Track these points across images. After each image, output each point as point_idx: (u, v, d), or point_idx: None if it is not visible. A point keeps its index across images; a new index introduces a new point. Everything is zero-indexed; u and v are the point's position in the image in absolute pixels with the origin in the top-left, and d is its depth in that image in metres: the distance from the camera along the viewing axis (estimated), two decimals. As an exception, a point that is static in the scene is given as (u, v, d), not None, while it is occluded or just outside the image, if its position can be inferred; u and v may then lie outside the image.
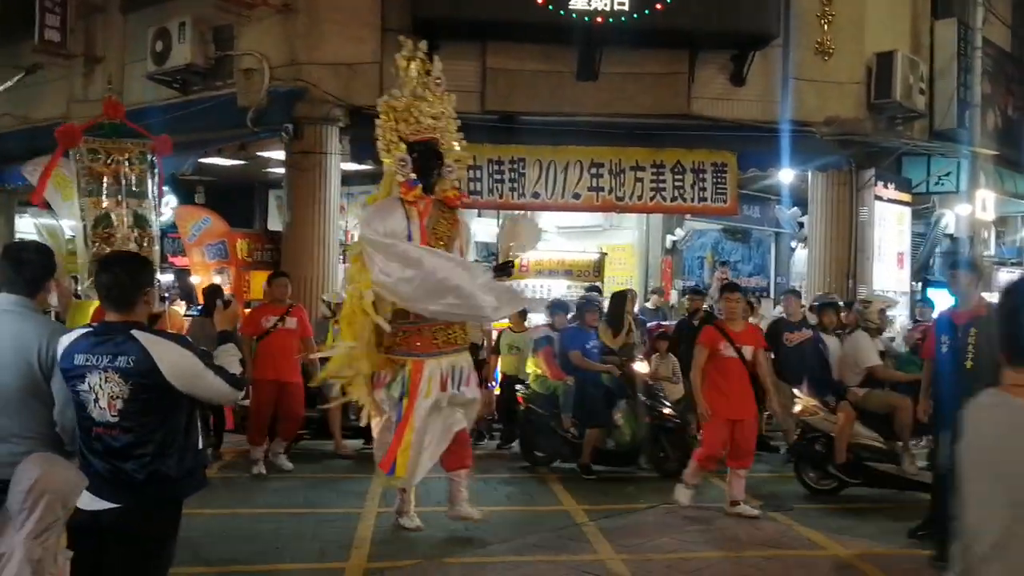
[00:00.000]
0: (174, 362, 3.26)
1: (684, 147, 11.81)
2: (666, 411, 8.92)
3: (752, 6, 11.52)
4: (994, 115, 15.20)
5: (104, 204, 8.92)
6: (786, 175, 13.09)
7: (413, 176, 6.52)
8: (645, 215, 13.68)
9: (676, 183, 11.82)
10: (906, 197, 13.65)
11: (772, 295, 15.47)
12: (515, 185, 11.85)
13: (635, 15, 10.91)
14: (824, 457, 8.05)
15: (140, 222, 9.19)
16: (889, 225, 13.10)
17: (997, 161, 14.73)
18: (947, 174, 14.13)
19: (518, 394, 9.84)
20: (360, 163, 12.84)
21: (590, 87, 11.81)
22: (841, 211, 12.63)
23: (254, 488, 8.11)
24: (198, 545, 5.79)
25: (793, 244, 15.87)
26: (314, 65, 11.87)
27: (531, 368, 9.54)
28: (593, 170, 11.90)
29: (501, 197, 11.87)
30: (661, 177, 11.88)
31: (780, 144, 11.72)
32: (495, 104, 12.05)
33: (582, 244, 14.12)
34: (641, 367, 9.23)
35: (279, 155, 11.85)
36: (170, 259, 13.84)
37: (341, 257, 13.28)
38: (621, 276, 13.47)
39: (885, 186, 13.05)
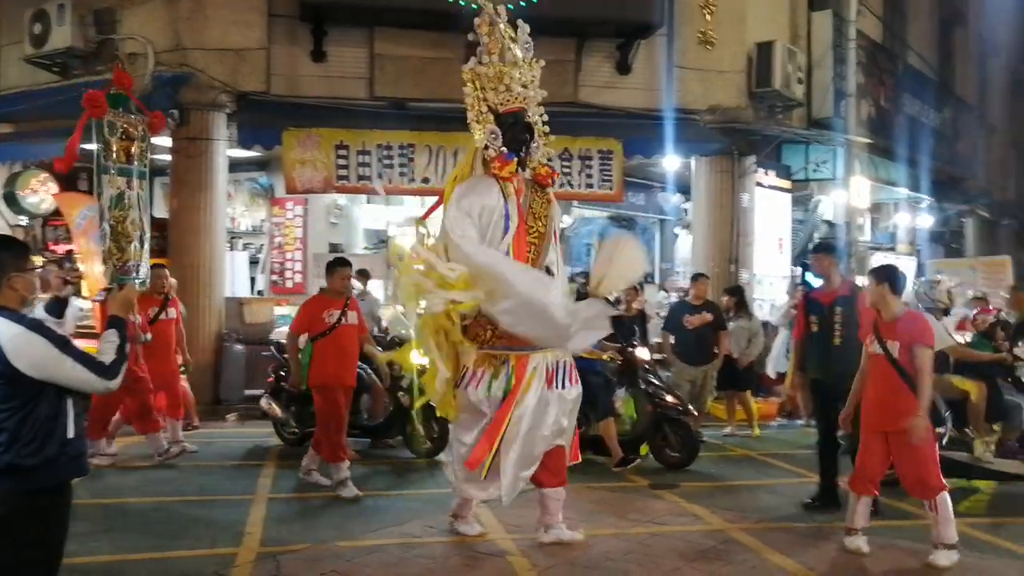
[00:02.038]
0: (21, 350, 3.15)
1: (571, 134, 11.97)
2: (669, 399, 8.61)
3: (637, -4, 11.74)
4: (868, 105, 15.89)
5: (118, 183, 8.55)
6: (670, 162, 13.42)
7: (506, 150, 6.00)
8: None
9: (563, 170, 11.98)
10: (786, 184, 14.15)
11: (657, 280, 15.83)
12: (405, 171, 11.83)
13: (523, 3, 10.97)
14: None
15: (140, 205, 8.85)
16: (769, 211, 13.57)
17: (871, 149, 15.42)
18: (824, 162, 14.70)
19: None
20: (247, 149, 12.59)
21: (478, 73, 11.85)
22: (723, 197, 13.03)
23: (146, 477, 7.94)
24: (88, 535, 5.68)
25: (677, 230, 16.27)
26: (200, 50, 11.60)
27: None
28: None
29: (391, 182, 11.83)
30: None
31: (664, 132, 12.02)
32: (384, 90, 12.00)
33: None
34: (643, 353, 8.96)
35: (165, 141, 11.51)
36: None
37: (228, 245, 13.01)
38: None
39: (765, 173, 13.51)
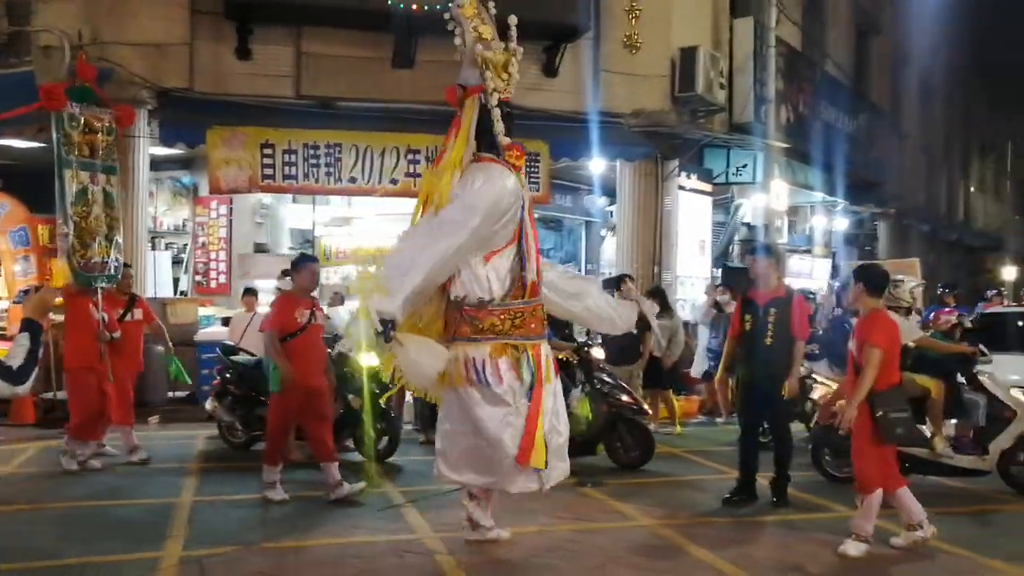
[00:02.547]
0: None
1: (499, 136, 12.03)
2: (624, 398, 8.57)
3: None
4: (787, 110, 16.33)
5: (81, 178, 8.20)
6: (596, 165, 13.60)
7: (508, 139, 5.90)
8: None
9: (492, 171, 12.04)
10: (707, 187, 14.47)
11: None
12: (331, 170, 11.76)
13: (451, 3, 11.01)
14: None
15: (109, 201, 8.51)
16: (692, 214, 13.87)
17: (789, 154, 15.87)
18: (744, 166, 15.08)
19: None
20: (170, 147, 12.37)
21: (407, 74, 11.87)
22: (647, 200, 13.27)
23: (65, 481, 7.76)
24: (2, 541, 5.56)
25: (603, 232, 16.49)
26: (119, 44, 11.35)
27: None
28: (410, 156, 11.97)
29: (317, 182, 11.77)
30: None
31: (590, 134, 12.17)
32: (310, 89, 11.93)
33: (400, 230, 14.13)
34: (597, 353, 8.99)
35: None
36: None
37: (150, 244, 12.75)
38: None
39: (688, 176, 13.80)
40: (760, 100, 14.80)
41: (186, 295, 13.57)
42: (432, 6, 11.02)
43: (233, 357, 9.30)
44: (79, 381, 8.11)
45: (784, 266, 14.90)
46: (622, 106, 12.99)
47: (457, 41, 6.01)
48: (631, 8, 13.03)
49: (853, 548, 5.78)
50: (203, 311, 12.17)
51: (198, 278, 13.67)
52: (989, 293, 18.14)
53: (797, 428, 8.40)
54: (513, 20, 6.07)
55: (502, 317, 5.73)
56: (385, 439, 8.66)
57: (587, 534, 6.29)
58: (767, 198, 15.16)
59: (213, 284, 13.58)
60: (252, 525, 6.41)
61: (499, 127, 5.86)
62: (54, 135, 8.00)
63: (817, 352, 9.82)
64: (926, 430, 7.45)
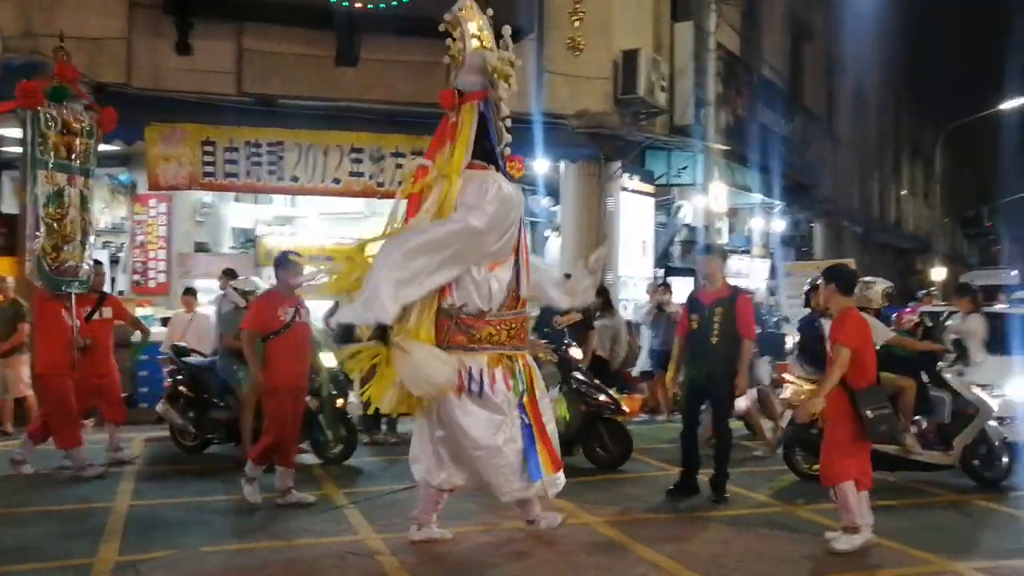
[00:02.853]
0: None
1: (443, 136, 12.03)
2: (602, 398, 8.53)
3: (507, 0, 11.88)
4: (726, 114, 16.63)
5: (56, 179, 7.89)
6: (540, 165, 13.68)
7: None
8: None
9: (437, 171, 12.04)
10: (649, 188, 14.66)
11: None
12: (274, 168, 11.65)
13: (395, 2, 11.01)
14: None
15: (85, 204, 8.22)
16: (634, 214, 14.03)
17: (728, 156, 16.14)
18: (685, 167, 15.31)
19: None
20: (106, 143, 12.07)
21: (350, 73, 11.81)
22: (590, 201, 13.40)
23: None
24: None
25: (547, 232, 16.57)
26: (54, 38, 11.01)
27: None
28: (353, 155, 11.92)
29: (259, 180, 11.65)
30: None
31: (534, 136, 12.22)
32: (252, 86, 11.80)
33: (343, 230, 14.05)
34: (576, 352, 8.98)
35: (15, 133, 10.92)
36: None
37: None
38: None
39: (630, 178, 13.96)
40: (700, 103, 15.04)
41: (123, 295, 13.29)
42: (376, 4, 11.03)
43: (186, 358, 9.12)
44: (52, 387, 7.88)
45: (727, 266, 15.17)
46: (565, 107, 13.09)
47: (455, 45, 6.01)
48: (574, 11, 13.12)
49: (845, 543, 5.88)
50: (141, 311, 11.90)
51: (136, 277, 13.39)
52: (920, 293, 18.68)
53: (735, 425, 8.56)
54: (507, 30, 6.09)
55: (498, 327, 5.78)
56: (342, 443, 8.60)
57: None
58: (707, 199, 15.40)
59: (152, 284, 13.32)
60: (191, 529, 6.32)
61: (507, 137, 5.93)
62: (28, 135, 7.80)
63: (756, 351, 10.04)
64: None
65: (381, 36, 11.70)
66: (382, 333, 5.58)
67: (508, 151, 5.99)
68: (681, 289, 12.17)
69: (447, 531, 6.12)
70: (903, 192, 36.39)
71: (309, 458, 8.58)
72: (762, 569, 5.56)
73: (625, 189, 13.79)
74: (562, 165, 13.53)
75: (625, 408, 8.80)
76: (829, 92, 25.95)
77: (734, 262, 17.54)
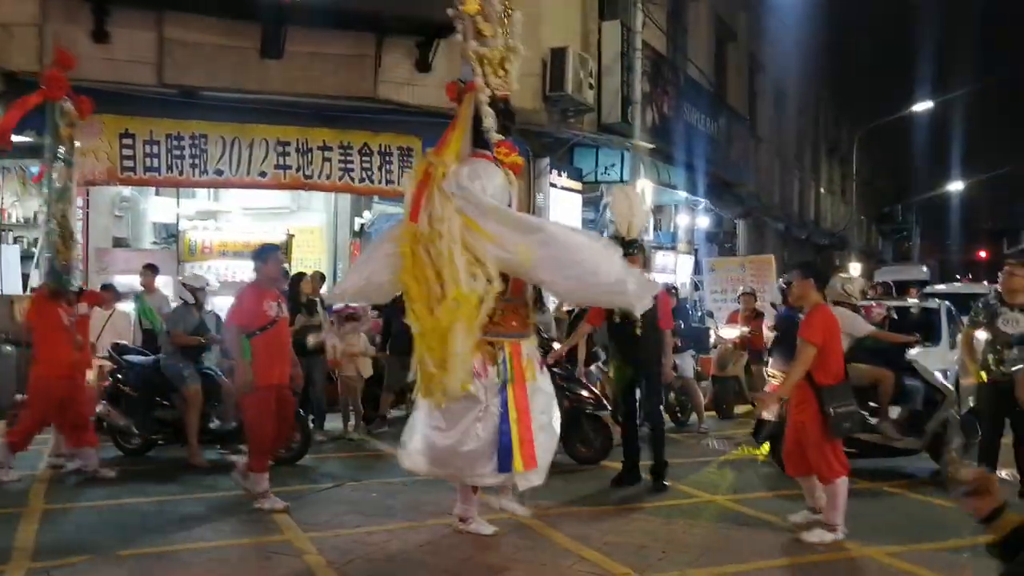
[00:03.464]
0: None
1: (371, 130, 11.98)
2: (584, 393, 8.47)
3: (433, -4, 11.84)
4: (652, 112, 16.81)
5: (65, 174, 7.59)
6: (469, 161, 13.64)
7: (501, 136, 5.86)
8: (333, 198, 13.70)
9: (364, 165, 11.97)
10: (577, 185, 14.77)
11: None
12: (196, 162, 11.39)
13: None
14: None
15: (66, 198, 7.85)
16: (563, 211, 14.13)
17: (654, 154, 16.34)
18: (612, 165, 15.47)
19: None
20: (17, 134, 11.66)
21: (276, 65, 11.62)
22: (520, 197, 13.37)
23: None
24: None
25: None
26: (-42, 22, 10.64)
27: None
28: (279, 148, 11.73)
29: (181, 174, 11.37)
30: (349, 158, 11.97)
31: (463, 131, 12.18)
32: (174, 77, 11.50)
33: (269, 225, 13.84)
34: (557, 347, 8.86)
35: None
36: None
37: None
38: (310, 259, 13.37)
39: (559, 174, 14.05)
40: (627, 101, 15.19)
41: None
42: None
43: (127, 357, 8.78)
44: (56, 390, 7.52)
45: (651, 263, 15.39)
46: (494, 103, 13.07)
47: (459, 38, 6.00)
48: (504, 7, 13.11)
49: (816, 536, 6.01)
50: (56, 307, 11.54)
51: (50, 273, 12.96)
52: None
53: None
54: (519, 17, 6.12)
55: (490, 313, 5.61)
56: (294, 442, 8.40)
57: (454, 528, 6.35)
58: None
59: (67, 279, 12.90)
60: (109, 533, 6.14)
61: (488, 123, 5.86)
62: (48, 128, 7.54)
63: (680, 344, 10.25)
64: (869, 417, 7.95)
65: (307, 28, 11.55)
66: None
67: (499, 137, 5.91)
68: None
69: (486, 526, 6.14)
70: (821, 190, 37.39)
71: (237, 458, 8.45)
72: (686, 559, 5.66)
73: (554, 186, 13.88)
74: (491, 161, 13.53)
75: (608, 404, 8.81)
76: (751, 92, 26.51)
77: (660, 258, 17.83)
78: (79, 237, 12.21)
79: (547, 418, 5.95)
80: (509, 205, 5.90)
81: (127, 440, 8.65)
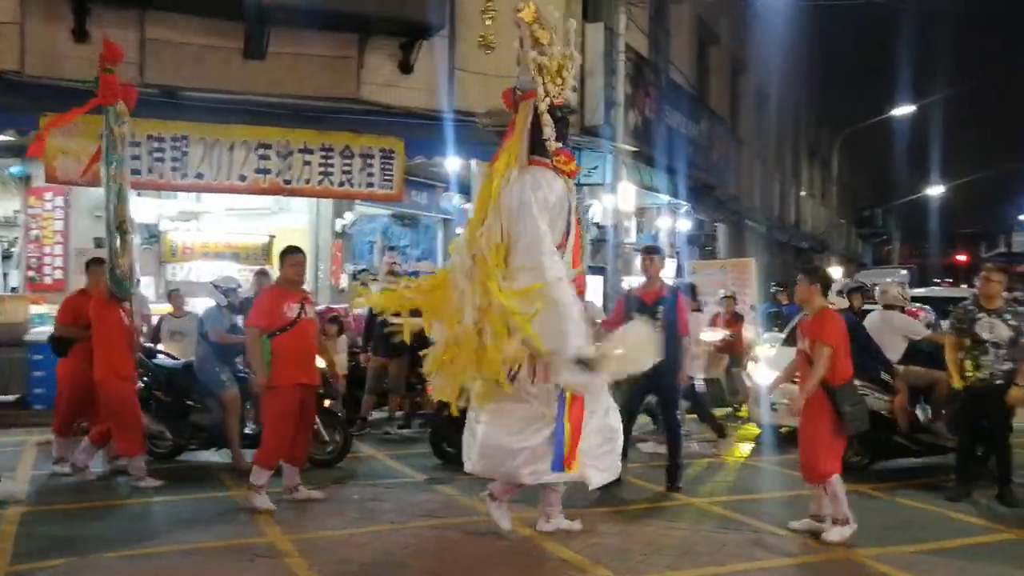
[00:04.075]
0: None
1: (352, 131, 11.96)
2: None
3: (419, -2, 11.87)
4: (634, 115, 16.87)
5: (121, 175, 7.50)
6: (452, 163, 13.67)
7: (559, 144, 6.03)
8: (315, 199, 13.67)
9: (344, 167, 11.95)
10: (560, 187, 14.74)
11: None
12: (177, 164, 11.32)
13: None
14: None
15: (123, 198, 7.71)
16: (544, 213, 14.10)
17: (637, 157, 16.40)
18: (595, 167, 15.47)
19: None
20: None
21: (258, 66, 11.60)
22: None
23: None
24: None
25: (459, 230, 16.56)
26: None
27: None
28: (260, 151, 11.68)
29: (162, 177, 11.30)
30: (329, 161, 11.94)
31: (445, 133, 12.23)
32: (156, 77, 11.45)
33: (250, 226, 13.81)
34: None
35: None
36: None
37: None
38: (292, 259, 13.31)
39: (541, 176, 14.03)
40: (610, 104, 15.24)
41: (17, 291, 12.79)
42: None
43: (156, 361, 8.64)
44: (116, 392, 7.46)
45: (630, 265, 15.46)
46: (476, 105, 13.08)
47: (516, 44, 6.10)
48: (486, 9, 13.15)
49: (836, 534, 6.10)
50: (35, 309, 11.49)
51: (31, 274, 12.87)
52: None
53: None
54: (572, 24, 6.26)
55: None
56: (337, 444, 8.42)
57: (439, 530, 6.37)
58: (616, 199, 15.63)
59: (48, 280, 12.81)
60: (89, 535, 6.12)
61: (548, 131, 5.98)
62: (104, 132, 7.47)
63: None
64: (920, 414, 8.26)
65: (291, 29, 11.54)
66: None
67: (558, 145, 6.04)
68: (592, 287, 12.31)
69: (576, 523, 6.28)
70: (802, 193, 37.63)
71: (220, 456, 8.45)
72: (666, 561, 5.71)
73: (536, 188, 13.87)
74: (473, 163, 13.56)
75: None
76: (733, 95, 26.66)
77: (638, 260, 17.86)
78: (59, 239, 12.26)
79: (596, 422, 6.05)
80: (569, 212, 6.06)
81: (157, 445, 8.41)
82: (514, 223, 5.86)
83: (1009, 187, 52.45)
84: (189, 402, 8.30)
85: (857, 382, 8.33)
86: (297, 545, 5.91)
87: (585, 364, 5.67)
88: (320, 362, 7.40)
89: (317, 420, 8.09)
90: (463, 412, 6.21)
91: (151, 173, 11.23)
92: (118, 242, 7.43)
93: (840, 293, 9.87)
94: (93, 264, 8.02)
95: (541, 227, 5.81)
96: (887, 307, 9.02)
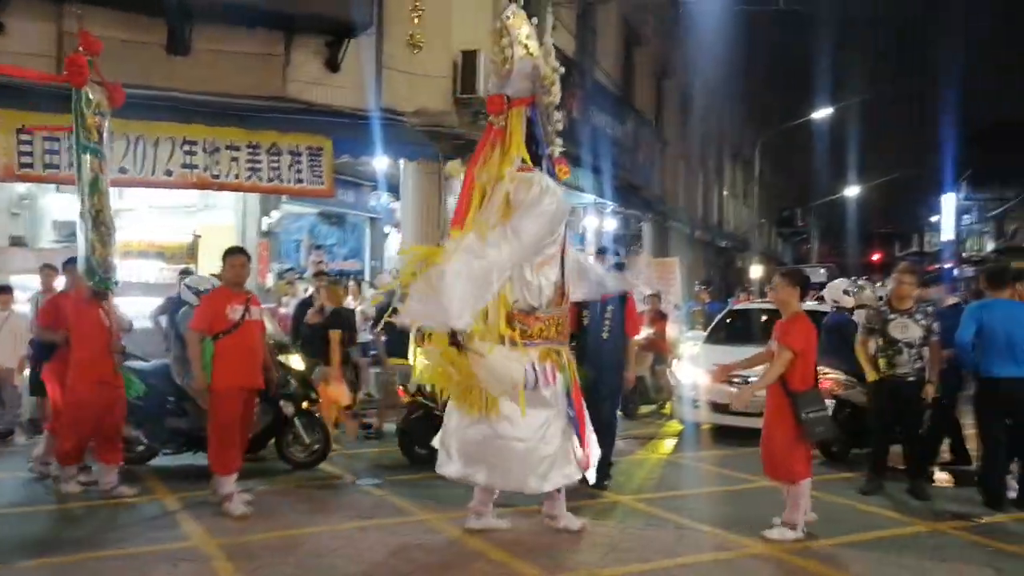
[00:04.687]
0: None
1: (280, 129, 11.82)
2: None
3: (347, -6, 11.78)
4: (561, 115, 16.97)
5: (93, 165, 7.14)
6: (380, 162, 13.63)
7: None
8: (242, 197, 13.48)
9: (272, 164, 11.80)
10: (488, 187, 14.83)
11: (368, 278, 16.02)
12: (99, 160, 11.02)
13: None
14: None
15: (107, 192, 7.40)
16: (473, 212, 14.18)
17: (562, 156, 16.52)
18: (522, 167, 15.56)
19: None
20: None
21: (182, 62, 11.38)
22: (430, 199, 13.48)
23: None
24: None
25: (387, 229, 16.54)
26: None
27: None
28: (186, 147, 11.45)
29: (82, 173, 10.98)
30: (257, 158, 11.79)
31: (372, 132, 12.18)
32: (74, 72, 11.12)
33: (175, 224, 13.54)
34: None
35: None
36: None
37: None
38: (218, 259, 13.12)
39: (469, 176, 14.09)
40: (537, 105, 15.33)
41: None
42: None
43: (129, 364, 8.21)
44: (84, 400, 7.13)
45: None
46: (404, 105, 13.09)
47: (501, 52, 6.22)
48: (414, 7, 13.14)
49: (777, 533, 6.22)
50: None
51: (-59, 273, 12.41)
52: (737, 290, 19.85)
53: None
54: (549, 41, 6.48)
55: (548, 323, 6.08)
56: (318, 446, 8.34)
57: (368, 531, 6.39)
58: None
59: (-41, 279, 12.38)
60: (8, 541, 6.00)
61: (556, 140, 6.34)
62: (73, 116, 7.15)
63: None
64: None
65: (215, 25, 11.34)
66: (453, 339, 5.79)
67: (556, 152, 6.34)
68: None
69: (504, 521, 6.43)
70: (725, 193, 38.43)
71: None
72: (593, 558, 5.83)
73: (464, 187, 13.91)
74: (401, 163, 13.54)
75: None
76: (658, 97, 27.08)
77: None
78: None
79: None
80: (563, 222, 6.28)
81: (130, 449, 8.10)
82: (516, 215, 5.95)
83: (922, 188, 54.39)
84: (165, 406, 8.07)
85: (843, 377, 8.85)
86: (224, 549, 5.87)
87: (456, 338, 5.77)
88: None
89: (297, 423, 8.14)
90: (433, 414, 6.29)
91: (72, 168, 10.87)
92: (91, 233, 7.26)
93: (846, 292, 10.08)
94: (69, 264, 7.80)
95: (530, 229, 5.94)
96: (859, 307, 9.53)
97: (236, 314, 6.82)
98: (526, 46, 6.21)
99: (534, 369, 5.95)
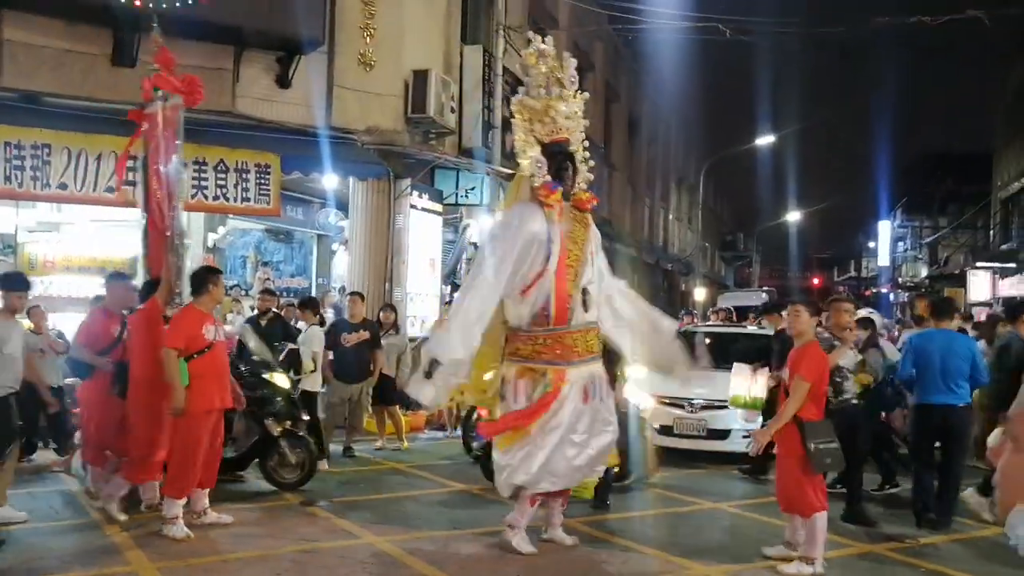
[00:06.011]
0: None
1: (227, 146, 11.68)
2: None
3: (297, 9, 11.69)
4: (511, 137, 17.05)
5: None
6: (329, 180, 13.55)
7: (550, 179, 6.48)
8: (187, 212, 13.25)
9: (219, 182, 11.64)
10: (438, 207, 14.88)
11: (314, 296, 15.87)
12: (38, 174, 10.72)
13: (177, 3, 10.56)
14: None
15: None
16: (423, 232, 14.20)
17: (512, 179, 16.62)
18: (472, 188, 15.67)
19: None
20: None
21: (128, 73, 11.17)
22: (380, 217, 13.43)
23: None
24: None
25: (335, 247, 16.43)
26: None
27: None
28: (130, 162, 11.24)
29: (21, 187, 10.68)
30: (204, 175, 11.63)
31: (322, 149, 12.11)
32: (14, 81, 10.86)
33: (118, 239, 13.26)
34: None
35: None
36: None
37: None
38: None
39: (420, 196, 14.12)
40: (487, 126, 15.44)
41: None
42: (157, 2, 10.53)
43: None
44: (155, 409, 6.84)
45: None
46: (355, 123, 13.04)
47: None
48: (366, 26, 13.13)
49: (794, 568, 6.03)
50: None
51: None
52: (682, 313, 20.06)
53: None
54: (572, 63, 6.91)
55: (526, 343, 6.40)
56: (304, 467, 8.18)
57: (311, 554, 6.30)
58: (493, 220, 15.81)
59: None
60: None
61: (524, 165, 6.69)
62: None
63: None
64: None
65: (163, 37, 11.17)
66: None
67: (538, 182, 6.53)
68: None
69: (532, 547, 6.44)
70: (670, 217, 38.91)
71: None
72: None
73: (414, 207, 13.92)
74: (351, 180, 13.47)
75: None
76: (606, 122, 27.38)
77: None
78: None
79: (552, 441, 6.33)
80: (549, 241, 6.44)
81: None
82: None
83: (860, 215, 55.81)
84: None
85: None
86: (163, 572, 5.75)
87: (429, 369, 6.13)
88: None
89: (283, 443, 8.01)
90: None
91: (9, 182, 10.62)
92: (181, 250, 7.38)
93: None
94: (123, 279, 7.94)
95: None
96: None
97: (210, 334, 6.72)
98: (543, 86, 6.82)
99: (503, 382, 6.47)
